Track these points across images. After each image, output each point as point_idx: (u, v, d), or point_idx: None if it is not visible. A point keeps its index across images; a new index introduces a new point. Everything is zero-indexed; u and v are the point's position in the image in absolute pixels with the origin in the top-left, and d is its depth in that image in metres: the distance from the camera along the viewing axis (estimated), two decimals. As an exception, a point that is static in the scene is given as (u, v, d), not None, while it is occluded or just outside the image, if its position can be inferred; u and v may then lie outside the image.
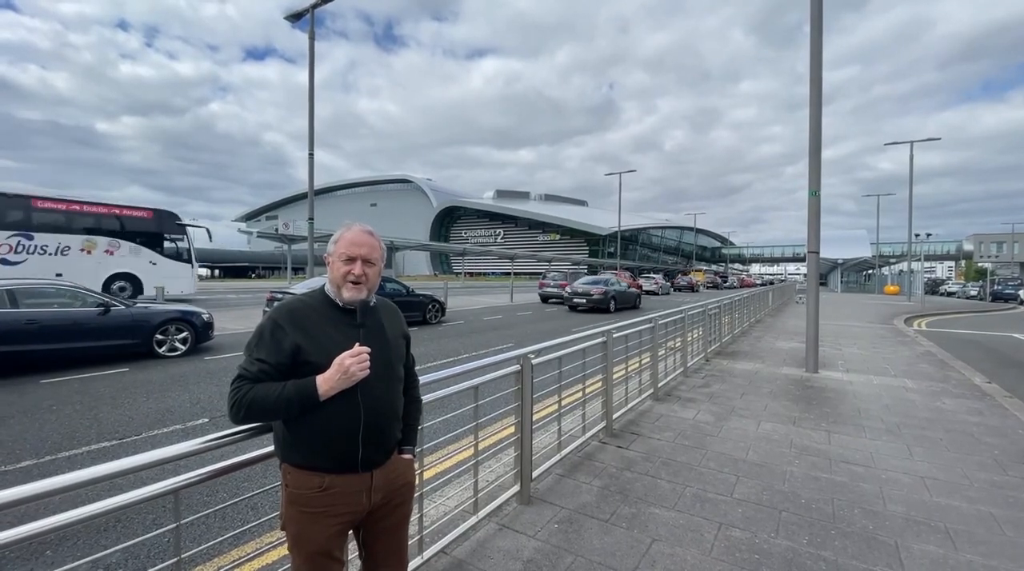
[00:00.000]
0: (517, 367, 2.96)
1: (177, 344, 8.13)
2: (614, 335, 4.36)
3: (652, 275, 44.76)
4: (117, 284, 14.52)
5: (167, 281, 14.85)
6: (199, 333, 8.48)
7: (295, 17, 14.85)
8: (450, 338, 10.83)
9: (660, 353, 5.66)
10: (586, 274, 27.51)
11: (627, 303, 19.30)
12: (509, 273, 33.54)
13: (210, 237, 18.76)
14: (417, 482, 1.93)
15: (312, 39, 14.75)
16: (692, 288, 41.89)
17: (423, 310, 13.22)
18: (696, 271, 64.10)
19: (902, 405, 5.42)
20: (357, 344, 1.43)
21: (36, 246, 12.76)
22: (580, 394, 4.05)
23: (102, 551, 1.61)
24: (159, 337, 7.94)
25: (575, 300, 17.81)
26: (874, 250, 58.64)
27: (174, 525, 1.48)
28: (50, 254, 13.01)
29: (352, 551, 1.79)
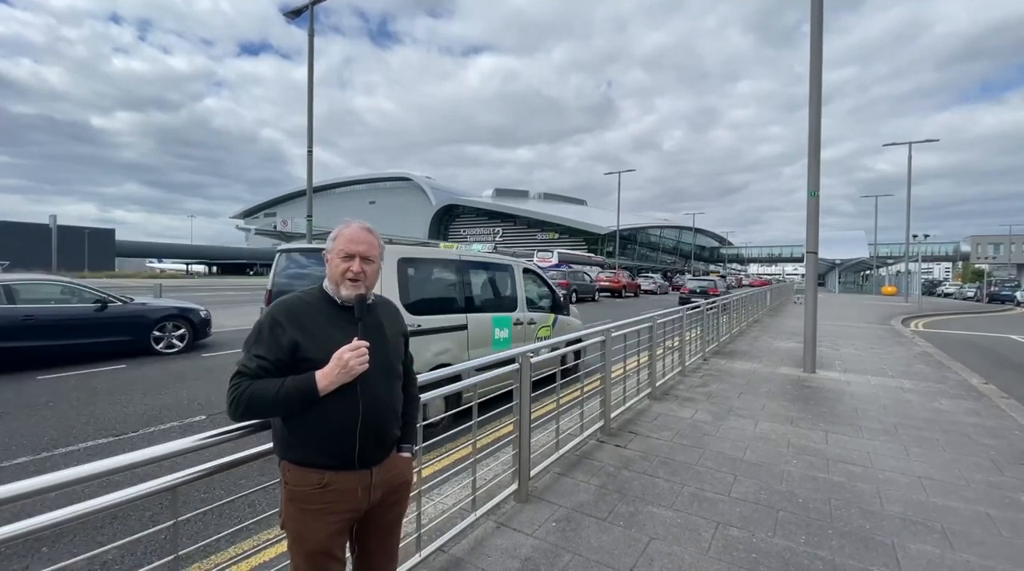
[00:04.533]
0: (515, 365, 2.96)
1: (174, 341, 8.12)
2: (612, 334, 4.36)
3: (651, 275, 44.79)
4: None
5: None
6: (196, 330, 8.47)
7: (294, 14, 14.78)
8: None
9: (658, 352, 5.66)
10: None
11: (723, 291, 28.68)
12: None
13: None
14: (415, 480, 1.92)
15: (311, 36, 14.68)
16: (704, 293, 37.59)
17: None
18: (714, 272, 63.76)
19: (899, 405, 5.43)
20: (355, 339, 1.42)
21: (570, 270, 27.70)
22: (578, 393, 4.05)
23: (99, 548, 1.60)
24: (156, 334, 7.92)
25: (698, 290, 26.98)
26: (872, 251, 58.78)
27: (172, 522, 1.48)
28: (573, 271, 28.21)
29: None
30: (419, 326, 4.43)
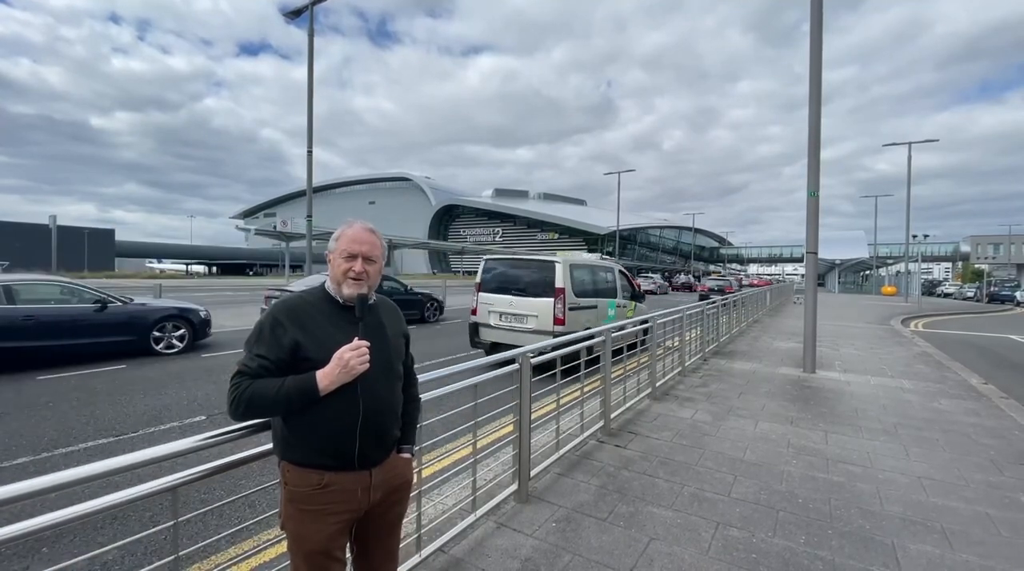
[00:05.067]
0: (516, 366, 2.96)
1: (174, 341, 8.11)
2: (612, 335, 4.36)
3: (651, 275, 44.89)
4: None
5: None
6: (196, 330, 8.46)
7: (294, 14, 14.79)
8: (449, 336, 10.83)
9: (658, 353, 5.67)
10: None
11: (736, 289, 31.15)
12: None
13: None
14: (415, 480, 1.93)
15: (311, 37, 14.69)
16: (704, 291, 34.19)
17: (421, 308, 13.21)
18: (715, 272, 64.34)
19: (899, 406, 5.43)
20: (356, 339, 1.42)
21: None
22: (578, 393, 4.05)
23: (99, 548, 1.60)
24: (156, 334, 7.91)
25: (716, 288, 31.41)
26: (872, 251, 58.80)
27: (172, 523, 1.48)
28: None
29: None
30: (579, 304, 7.31)
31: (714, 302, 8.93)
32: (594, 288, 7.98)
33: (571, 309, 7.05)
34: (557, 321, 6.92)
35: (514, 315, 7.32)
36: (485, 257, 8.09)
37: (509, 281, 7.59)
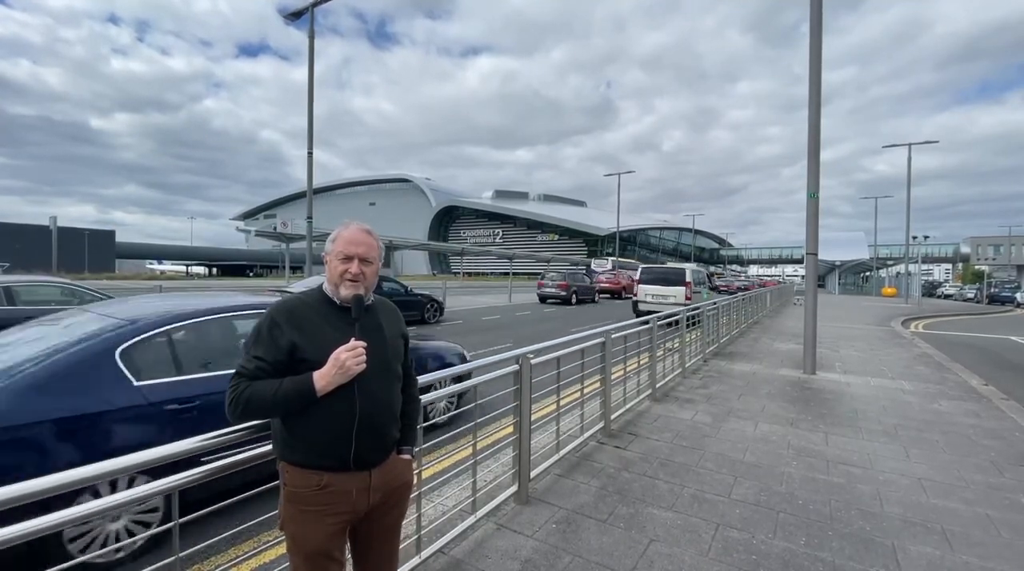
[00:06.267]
0: (516, 367, 2.96)
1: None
2: (612, 336, 4.36)
3: None
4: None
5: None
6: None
7: (294, 16, 14.80)
8: (448, 337, 10.82)
9: (658, 354, 5.66)
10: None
11: (755, 287, 35.47)
12: (508, 273, 33.47)
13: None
14: (415, 482, 1.92)
15: (311, 39, 14.70)
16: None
17: (421, 309, 13.21)
18: (716, 273, 64.63)
19: (899, 407, 5.43)
20: (353, 339, 1.42)
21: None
22: (578, 394, 4.05)
23: (99, 549, 1.60)
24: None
25: (741, 286, 37.25)
26: (872, 252, 58.80)
27: (172, 523, 1.48)
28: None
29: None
30: (695, 290, 14.00)
31: (715, 303, 9.06)
32: (699, 282, 14.63)
33: (693, 293, 13.31)
34: (687, 298, 12.95)
35: (661, 296, 13.62)
36: (642, 266, 15.64)
37: (657, 277, 14.25)
